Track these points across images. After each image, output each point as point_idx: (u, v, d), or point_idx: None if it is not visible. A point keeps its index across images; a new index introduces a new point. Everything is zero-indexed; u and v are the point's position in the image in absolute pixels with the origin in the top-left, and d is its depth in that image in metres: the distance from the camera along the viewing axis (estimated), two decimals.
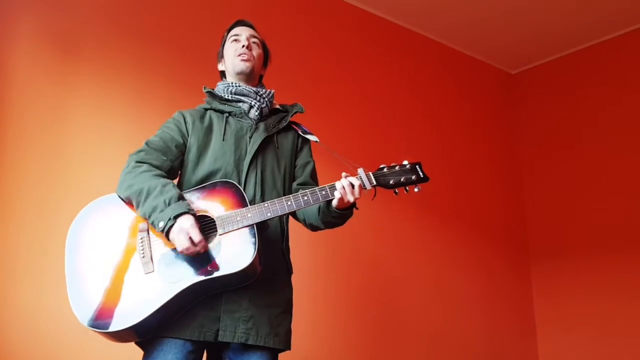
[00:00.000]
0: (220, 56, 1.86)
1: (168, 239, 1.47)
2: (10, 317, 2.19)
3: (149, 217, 1.49)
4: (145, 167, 1.58)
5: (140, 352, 1.56)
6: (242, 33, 1.80)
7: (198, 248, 1.45)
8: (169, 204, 1.47)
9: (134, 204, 1.54)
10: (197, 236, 1.44)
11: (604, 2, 3.66)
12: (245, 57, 1.75)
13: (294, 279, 1.74)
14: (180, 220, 1.45)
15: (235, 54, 1.76)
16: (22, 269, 2.24)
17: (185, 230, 1.44)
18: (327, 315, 3.04)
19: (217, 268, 1.46)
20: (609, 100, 3.99)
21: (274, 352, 1.62)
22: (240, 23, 1.85)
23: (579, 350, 3.84)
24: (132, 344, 1.58)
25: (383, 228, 3.42)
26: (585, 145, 4.07)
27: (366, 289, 3.25)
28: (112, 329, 1.40)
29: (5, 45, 2.37)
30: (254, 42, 1.80)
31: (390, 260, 3.42)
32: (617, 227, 3.79)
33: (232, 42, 1.80)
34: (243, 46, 1.76)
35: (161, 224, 1.46)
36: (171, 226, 1.45)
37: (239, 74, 1.76)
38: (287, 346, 1.64)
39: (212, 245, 1.49)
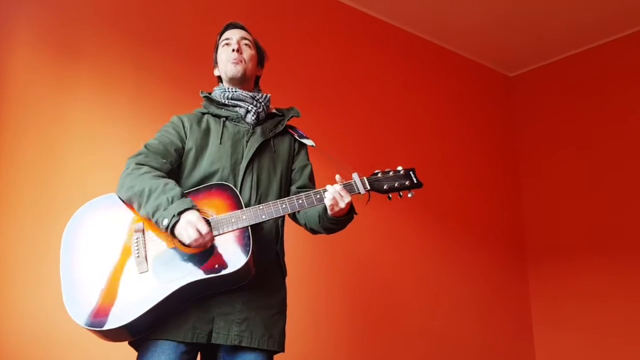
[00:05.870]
0: (215, 62, 1.86)
1: (174, 236, 1.47)
2: (10, 317, 2.20)
3: (153, 215, 1.49)
4: (145, 169, 1.58)
5: (135, 353, 1.57)
6: (233, 36, 1.80)
7: (206, 239, 1.46)
8: (172, 202, 1.48)
9: (136, 205, 1.54)
10: (204, 228, 1.45)
11: (603, 4, 3.66)
12: (236, 61, 1.75)
13: (288, 280, 1.75)
14: (185, 215, 1.46)
15: (226, 60, 1.77)
16: (21, 269, 2.25)
17: (193, 223, 1.44)
18: (321, 318, 3.04)
19: (211, 269, 1.46)
20: (607, 103, 4.00)
21: (268, 353, 1.62)
22: (230, 26, 1.85)
23: (575, 352, 3.85)
24: (129, 345, 1.58)
25: (379, 230, 3.42)
26: (582, 147, 4.08)
27: (361, 291, 3.25)
28: (105, 327, 1.41)
29: (4, 49, 2.38)
30: (245, 44, 1.80)
31: (386, 263, 3.42)
32: (613, 229, 3.81)
33: (223, 46, 1.81)
34: (233, 50, 1.76)
35: (165, 221, 1.46)
36: (176, 222, 1.46)
37: (232, 78, 1.77)
38: (280, 348, 1.64)
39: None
